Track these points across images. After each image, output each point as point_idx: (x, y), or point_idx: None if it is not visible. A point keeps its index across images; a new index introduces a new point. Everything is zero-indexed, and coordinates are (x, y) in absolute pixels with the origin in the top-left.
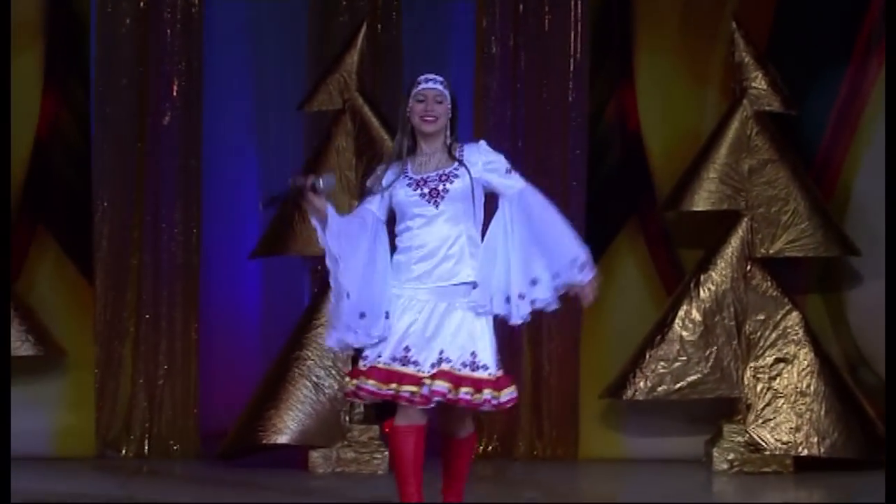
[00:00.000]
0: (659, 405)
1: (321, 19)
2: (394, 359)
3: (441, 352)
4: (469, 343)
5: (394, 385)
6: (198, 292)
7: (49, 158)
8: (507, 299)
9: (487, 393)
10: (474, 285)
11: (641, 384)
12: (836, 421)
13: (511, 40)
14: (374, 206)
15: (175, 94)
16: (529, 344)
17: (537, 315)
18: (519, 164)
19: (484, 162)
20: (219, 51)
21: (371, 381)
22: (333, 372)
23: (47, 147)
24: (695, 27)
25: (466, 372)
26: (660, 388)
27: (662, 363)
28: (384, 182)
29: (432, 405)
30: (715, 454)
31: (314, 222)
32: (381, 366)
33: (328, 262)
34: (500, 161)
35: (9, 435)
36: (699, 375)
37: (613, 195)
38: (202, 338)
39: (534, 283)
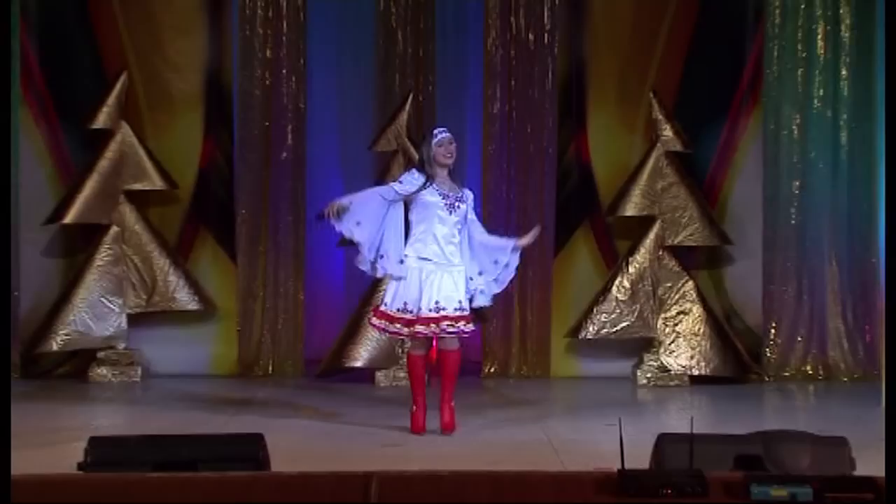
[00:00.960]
0: (602, 342)
1: (383, 90)
2: (400, 309)
3: (437, 302)
4: (456, 294)
5: (419, 327)
6: (303, 269)
7: (207, 182)
8: (470, 278)
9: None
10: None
11: (591, 328)
12: (717, 352)
13: (507, 104)
14: (393, 194)
15: (288, 139)
16: (518, 301)
17: (524, 282)
18: (512, 185)
19: (472, 205)
20: (317, 108)
21: (396, 325)
22: None
23: (206, 175)
24: (626, 95)
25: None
26: (603, 331)
27: (604, 315)
28: (416, 184)
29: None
30: (638, 374)
31: (338, 227)
32: (394, 313)
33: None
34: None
35: (9, 435)
36: (628, 323)
37: (573, 205)
38: (306, 298)
39: (480, 273)
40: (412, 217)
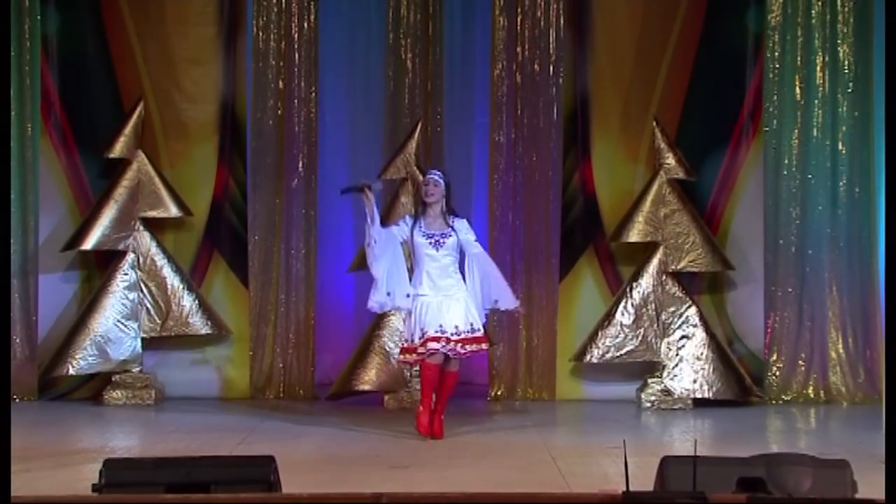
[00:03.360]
0: (607, 365)
1: (392, 120)
2: (421, 337)
3: (441, 325)
4: (458, 319)
5: (422, 349)
6: (314, 294)
7: (221, 209)
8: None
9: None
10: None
11: (596, 352)
12: (719, 376)
13: (513, 133)
14: (398, 233)
15: (300, 167)
16: (524, 325)
17: (530, 307)
18: (518, 214)
19: (465, 231)
20: (328, 138)
21: (412, 355)
22: (399, 345)
23: (220, 202)
24: (629, 124)
25: (465, 336)
26: (607, 355)
27: (609, 338)
28: (406, 227)
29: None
30: (642, 397)
31: (367, 214)
32: (415, 344)
33: (369, 254)
34: (472, 233)
35: (9, 434)
36: (632, 347)
37: (578, 232)
38: (316, 323)
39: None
40: (413, 261)
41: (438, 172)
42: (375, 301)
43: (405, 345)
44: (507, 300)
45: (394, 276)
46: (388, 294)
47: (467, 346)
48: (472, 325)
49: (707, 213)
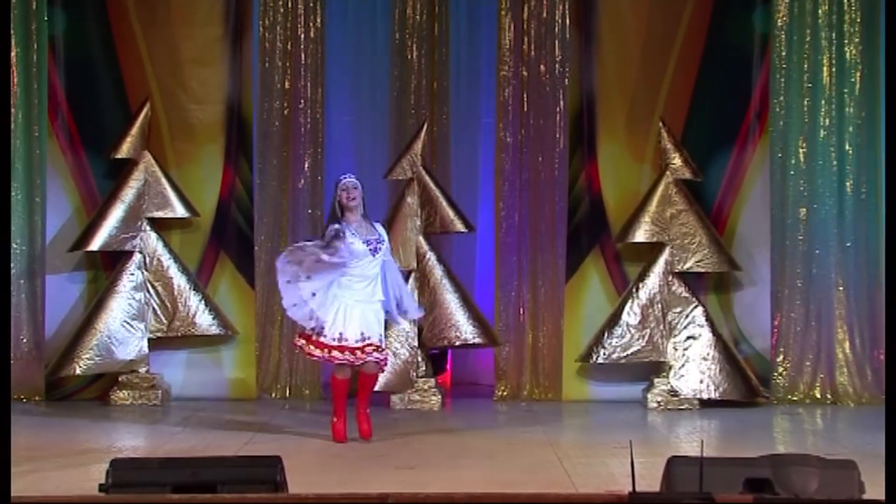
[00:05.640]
0: (613, 366)
1: (398, 120)
2: (336, 339)
3: (362, 332)
4: (378, 327)
5: (336, 353)
6: None
7: (227, 210)
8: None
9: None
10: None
11: (602, 352)
12: (726, 376)
13: (519, 134)
14: (336, 262)
15: (306, 168)
16: (530, 326)
17: (536, 307)
18: (524, 214)
19: (385, 235)
20: (334, 138)
21: (318, 350)
22: (406, 346)
23: (226, 203)
24: (636, 125)
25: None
26: (614, 355)
27: (615, 339)
28: (337, 236)
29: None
30: (648, 397)
31: (325, 256)
32: (327, 341)
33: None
34: (387, 239)
35: (9, 434)
36: (638, 347)
37: (584, 232)
38: None
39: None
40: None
41: (352, 175)
42: (297, 317)
43: (309, 333)
44: (414, 309)
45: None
46: (312, 313)
47: (366, 354)
48: (380, 336)
49: (713, 213)
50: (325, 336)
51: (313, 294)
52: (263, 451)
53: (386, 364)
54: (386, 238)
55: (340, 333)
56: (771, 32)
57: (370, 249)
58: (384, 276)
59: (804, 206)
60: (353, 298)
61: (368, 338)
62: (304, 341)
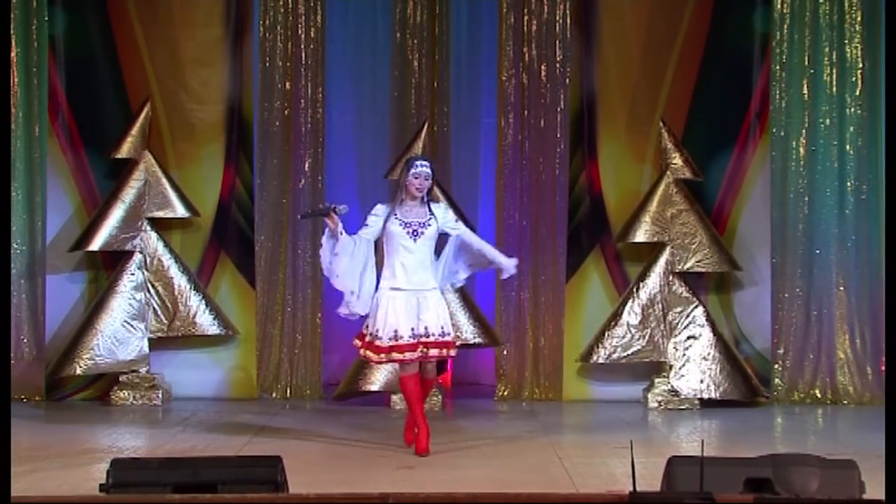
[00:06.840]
0: (613, 366)
1: (399, 120)
2: (392, 337)
3: (412, 328)
4: (435, 318)
5: (395, 354)
6: (321, 294)
7: (228, 210)
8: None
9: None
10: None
11: (603, 352)
12: (726, 376)
13: (520, 134)
14: (369, 234)
15: (306, 168)
16: (531, 325)
17: (537, 307)
18: (525, 214)
19: (443, 211)
20: (334, 138)
21: (376, 355)
22: None
23: (227, 203)
24: (636, 125)
25: (435, 339)
26: (614, 355)
27: (616, 339)
28: (380, 217)
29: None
30: (649, 397)
31: (324, 240)
32: (382, 343)
33: (325, 272)
34: (450, 211)
35: (9, 434)
36: (639, 347)
37: (585, 232)
38: (323, 323)
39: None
40: (385, 250)
41: (427, 162)
42: (344, 311)
43: (368, 338)
44: (508, 264)
45: (366, 284)
46: (352, 293)
47: (433, 350)
48: (443, 328)
49: (714, 213)
50: (380, 339)
51: (352, 292)
52: (264, 451)
53: (452, 353)
54: (441, 216)
55: (395, 331)
56: (771, 32)
57: (409, 233)
58: (461, 249)
59: (805, 206)
60: (399, 289)
61: (425, 330)
62: (359, 343)
